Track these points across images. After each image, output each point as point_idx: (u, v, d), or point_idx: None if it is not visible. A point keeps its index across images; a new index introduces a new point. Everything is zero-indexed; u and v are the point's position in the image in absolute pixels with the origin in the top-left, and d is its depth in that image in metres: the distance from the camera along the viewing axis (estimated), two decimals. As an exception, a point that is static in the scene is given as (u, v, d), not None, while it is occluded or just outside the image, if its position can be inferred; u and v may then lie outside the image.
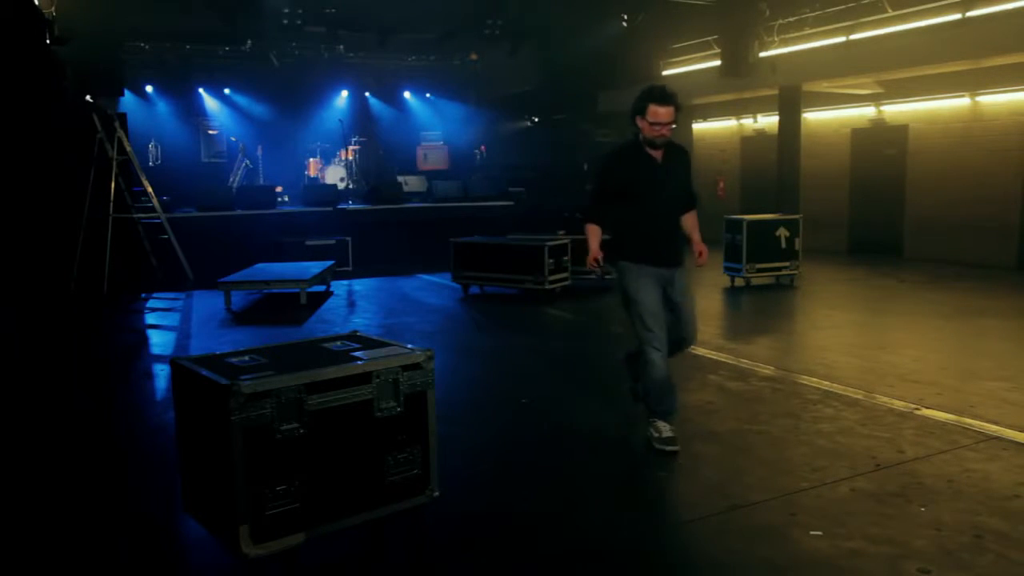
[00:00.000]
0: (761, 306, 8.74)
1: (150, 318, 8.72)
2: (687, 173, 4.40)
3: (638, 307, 4.16)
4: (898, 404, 4.86)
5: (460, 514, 3.44)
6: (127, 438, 4.66)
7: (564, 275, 9.34)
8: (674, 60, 15.30)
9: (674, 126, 4.15)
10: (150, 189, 10.26)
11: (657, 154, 4.20)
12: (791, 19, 12.53)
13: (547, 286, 9.03)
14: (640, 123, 4.14)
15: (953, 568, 2.88)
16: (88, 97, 10.30)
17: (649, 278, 4.16)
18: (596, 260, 4.17)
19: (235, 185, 15.07)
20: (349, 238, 11.90)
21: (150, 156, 15.24)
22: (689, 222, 4.47)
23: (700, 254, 4.39)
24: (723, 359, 5.79)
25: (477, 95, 18.68)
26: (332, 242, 11.71)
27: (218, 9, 13.43)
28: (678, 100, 4.16)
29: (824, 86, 12.54)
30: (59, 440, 4.58)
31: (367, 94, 18.18)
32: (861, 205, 13.26)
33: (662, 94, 4.09)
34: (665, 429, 4.17)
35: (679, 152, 4.35)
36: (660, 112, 4.07)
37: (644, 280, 4.17)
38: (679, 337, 4.29)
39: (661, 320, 4.14)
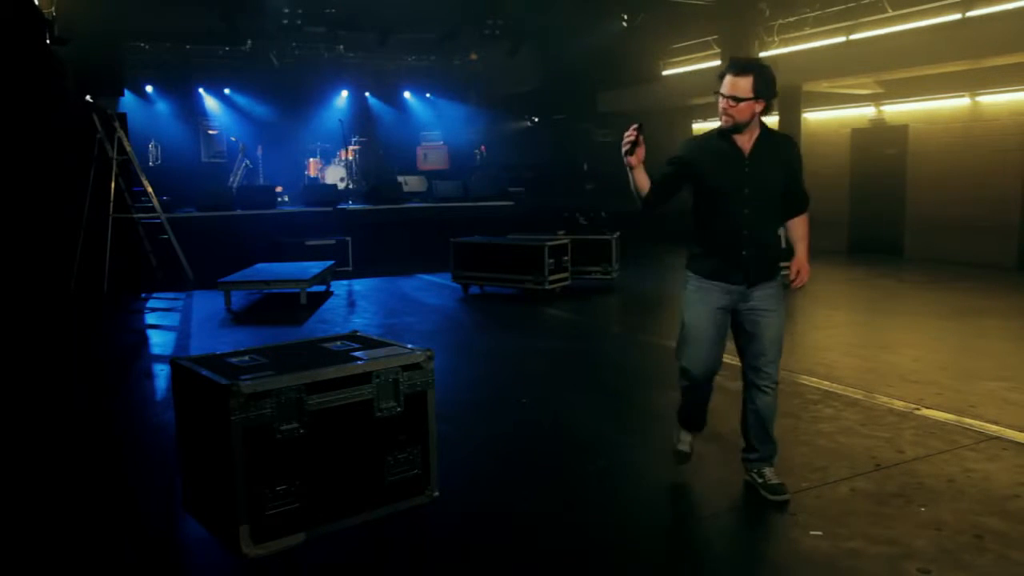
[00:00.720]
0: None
1: (150, 318, 8.71)
2: (788, 169, 3.46)
3: (682, 324, 3.54)
4: (898, 404, 4.86)
5: (460, 514, 3.44)
6: (127, 438, 4.66)
7: (564, 275, 9.34)
8: (674, 60, 15.30)
9: (755, 107, 3.30)
10: (150, 189, 10.25)
11: (744, 142, 3.39)
12: (791, 19, 12.54)
13: (547, 286, 9.02)
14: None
15: (953, 568, 2.88)
16: (88, 97, 10.29)
17: (709, 294, 3.45)
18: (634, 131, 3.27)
19: (235, 185, 15.07)
20: (349, 238, 11.89)
21: (150, 156, 15.24)
22: (797, 230, 3.58)
23: (797, 272, 3.51)
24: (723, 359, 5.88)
25: (477, 95, 18.69)
26: (332, 242, 11.71)
27: (218, 9, 13.44)
28: (768, 75, 3.29)
29: (824, 86, 12.54)
30: (59, 440, 4.57)
31: (367, 94, 18.19)
32: (861, 205, 13.26)
33: (738, 61, 3.35)
34: (685, 441, 3.81)
35: (779, 143, 3.48)
36: (738, 84, 3.27)
37: (701, 295, 3.47)
38: (753, 358, 3.49)
39: (707, 344, 3.47)
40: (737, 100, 3.28)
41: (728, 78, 3.30)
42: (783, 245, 3.66)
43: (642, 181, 3.40)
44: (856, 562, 2.95)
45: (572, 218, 12.36)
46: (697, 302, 3.48)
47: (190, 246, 10.35)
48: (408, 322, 8.07)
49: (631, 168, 3.36)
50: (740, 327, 3.50)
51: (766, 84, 3.29)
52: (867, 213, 13.13)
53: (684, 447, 3.79)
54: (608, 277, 9.95)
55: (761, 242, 3.43)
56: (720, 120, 3.36)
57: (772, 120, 3.46)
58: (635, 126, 3.28)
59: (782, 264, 3.48)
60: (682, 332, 3.53)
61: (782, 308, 3.52)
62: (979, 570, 2.87)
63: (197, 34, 15.35)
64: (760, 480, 3.54)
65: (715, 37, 13.79)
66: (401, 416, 3.26)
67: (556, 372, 6.10)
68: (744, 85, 3.27)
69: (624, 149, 3.29)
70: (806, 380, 5.44)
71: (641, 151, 3.32)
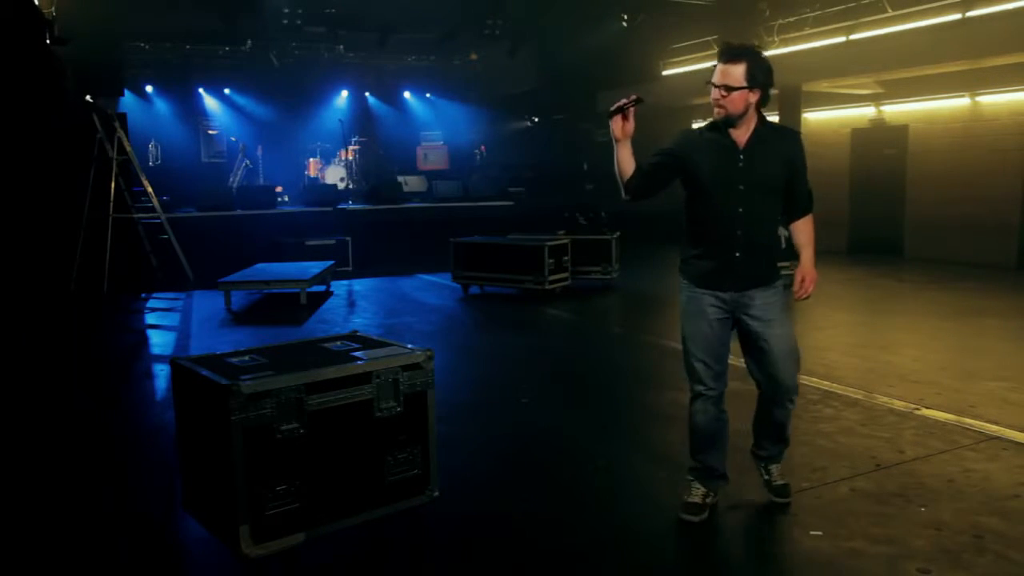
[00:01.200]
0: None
1: (150, 318, 8.71)
2: (789, 165, 3.20)
3: (683, 336, 3.32)
4: (898, 404, 4.86)
5: (460, 514, 3.44)
6: (127, 438, 4.66)
7: (564, 275, 9.34)
8: (674, 60, 15.30)
9: (749, 97, 3.07)
10: (150, 189, 10.26)
11: (739, 135, 3.16)
12: (791, 19, 12.54)
13: (547, 286, 9.02)
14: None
15: (953, 568, 2.88)
16: (88, 97, 10.30)
17: (701, 305, 3.24)
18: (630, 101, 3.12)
19: (235, 185, 15.08)
20: (349, 238, 11.90)
21: (150, 156, 15.26)
22: (802, 234, 3.35)
23: (802, 280, 3.29)
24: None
25: (477, 95, 18.70)
26: (332, 242, 11.72)
27: (218, 9, 13.44)
28: (763, 62, 3.07)
29: (824, 86, 12.54)
30: (59, 440, 4.58)
31: (367, 94, 18.21)
32: (861, 205, 13.26)
33: (730, 48, 3.09)
34: (696, 493, 3.35)
35: (780, 136, 3.24)
36: (730, 72, 3.04)
37: (694, 306, 3.26)
38: (767, 375, 3.27)
39: (711, 354, 3.25)
40: (730, 89, 3.04)
41: (719, 66, 3.08)
42: (783, 245, 3.56)
43: (626, 161, 3.19)
44: (856, 562, 2.95)
45: (572, 218, 12.37)
46: (692, 313, 3.27)
47: (190, 246, 10.37)
48: (408, 322, 8.07)
49: (616, 141, 3.16)
50: (747, 339, 3.27)
51: (761, 72, 3.06)
52: (867, 213, 13.13)
53: (694, 498, 3.34)
54: (608, 277, 9.95)
55: (756, 244, 3.19)
56: (714, 113, 3.14)
57: (772, 120, 3.35)
58: (633, 96, 3.13)
59: (781, 264, 3.41)
60: (684, 344, 3.32)
61: (787, 314, 3.30)
62: (979, 570, 2.87)
63: (197, 34, 15.37)
64: (767, 477, 3.49)
65: (715, 37, 13.78)
66: (401, 416, 3.26)
67: (556, 372, 6.10)
68: (737, 73, 3.03)
69: (612, 108, 3.11)
70: (806, 380, 5.44)
71: (629, 126, 3.13)
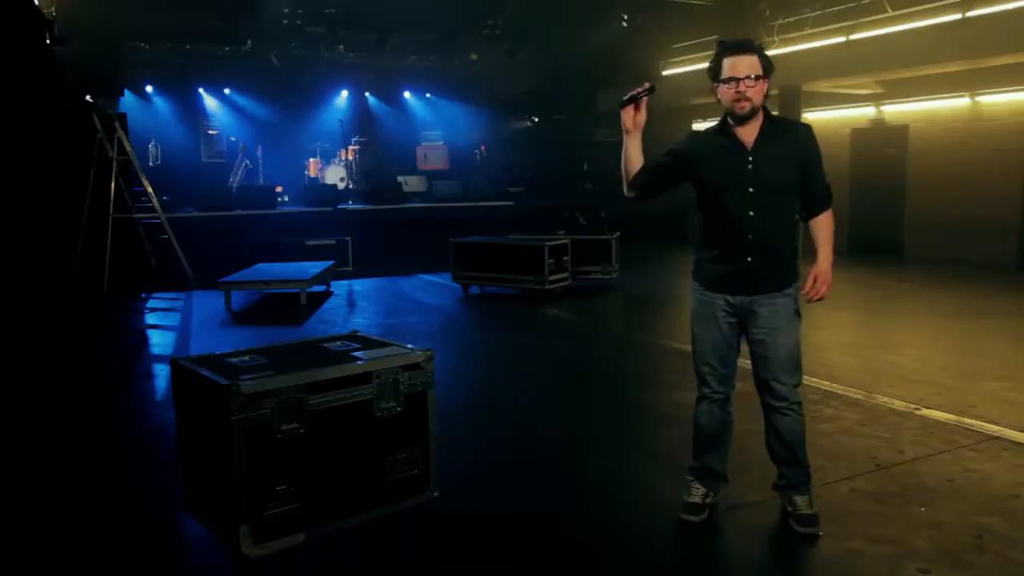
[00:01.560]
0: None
1: (150, 318, 8.72)
2: (801, 161, 3.08)
3: (692, 339, 3.30)
4: (898, 404, 4.86)
5: (460, 514, 3.44)
6: (127, 438, 4.66)
7: (564, 275, 9.34)
8: (674, 60, 15.30)
9: (765, 88, 3.00)
10: (150, 189, 10.26)
11: (747, 134, 3.06)
12: (791, 19, 12.54)
13: (547, 286, 9.02)
14: (720, 93, 3.02)
15: (953, 568, 2.88)
16: (88, 97, 10.30)
17: (711, 307, 3.19)
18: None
19: (235, 185, 15.08)
20: (349, 238, 11.90)
21: (150, 156, 15.24)
22: (821, 231, 3.18)
23: (814, 280, 3.11)
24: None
25: (477, 95, 18.69)
26: (332, 242, 11.71)
27: (218, 9, 13.45)
28: (765, 53, 3.02)
29: (824, 86, 12.54)
30: (59, 440, 4.57)
31: (367, 94, 18.19)
32: (861, 205, 13.26)
33: (734, 42, 3.01)
34: (696, 493, 3.35)
35: (789, 130, 3.13)
36: (739, 65, 2.95)
37: (704, 309, 3.22)
38: (762, 380, 3.22)
39: (719, 357, 3.23)
40: (756, 78, 2.95)
41: (730, 60, 2.97)
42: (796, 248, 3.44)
43: (634, 155, 3.13)
44: (856, 562, 2.95)
45: (572, 218, 12.37)
46: (702, 315, 3.24)
47: (190, 246, 10.37)
48: (408, 322, 8.07)
49: (626, 132, 3.09)
50: (750, 342, 3.22)
51: (768, 62, 2.99)
52: (867, 213, 13.13)
53: (695, 498, 3.34)
54: (608, 277, 9.95)
55: (770, 247, 3.08)
56: (735, 109, 2.99)
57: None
58: (647, 84, 3.04)
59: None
60: (693, 346, 3.31)
61: (795, 322, 3.16)
62: (979, 570, 2.87)
63: (197, 34, 15.35)
64: (790, 509, 3.25)
65: (715, 37, 13.77)
66: (401, 416, 3.26)
67: (556, 372, 6.10)
68: (754, 62, 2.96)
69: (625, 97, 3.04)
70: (806, 380, 5.39)
71: (641, 117, 3.08)
